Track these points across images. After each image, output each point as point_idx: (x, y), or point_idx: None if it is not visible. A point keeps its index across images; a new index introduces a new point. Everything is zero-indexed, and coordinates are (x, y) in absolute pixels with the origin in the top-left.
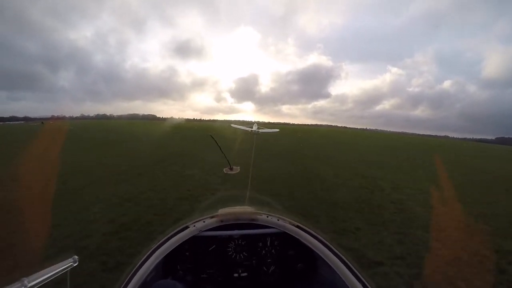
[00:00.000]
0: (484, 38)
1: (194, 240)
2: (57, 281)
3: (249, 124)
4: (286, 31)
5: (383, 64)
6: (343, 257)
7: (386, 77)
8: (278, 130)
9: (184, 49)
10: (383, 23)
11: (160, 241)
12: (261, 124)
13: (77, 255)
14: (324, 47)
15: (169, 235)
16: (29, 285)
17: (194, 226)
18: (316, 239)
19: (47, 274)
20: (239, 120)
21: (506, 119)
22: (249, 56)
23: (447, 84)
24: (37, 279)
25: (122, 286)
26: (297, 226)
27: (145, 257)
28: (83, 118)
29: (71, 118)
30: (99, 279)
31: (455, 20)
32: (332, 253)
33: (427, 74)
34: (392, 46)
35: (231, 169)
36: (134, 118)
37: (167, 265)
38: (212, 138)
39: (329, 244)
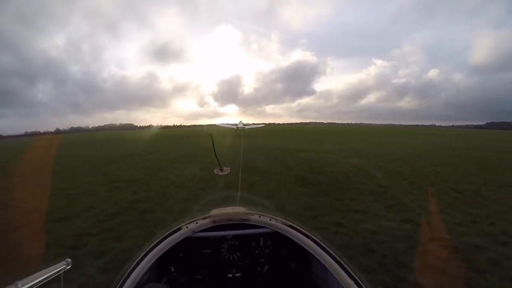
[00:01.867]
0: (474, 24)
1: (187, 241)
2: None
3: (234, 124)
4: (269, 26)
5: (368, 57)
6: (335, 255)
7: (371, 70)
8: (263, 125)
9: (163, 53)
10: (368, 15)
11: (154, 243)
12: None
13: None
14: (308, 43)
15: (162, 237)
16: None
17: (187, 227)
18: (309, 238)
19: (41, 277)
20: (223, 123)
21: (496, 104)
22: (231, 56)
23: (434, 73)
24: (30, 282)
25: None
26: (290, 226)
27: (138, 258)
28: (56, 132)
29: (46, 133)
30: None
31: (444, 7)
32: (325, 251)
33: (414, 64)
34: (377, 38)
35: (221, 170)
36: (111, 129)
37: (161, 267)
38: (211, 138)
39: (321, 243)
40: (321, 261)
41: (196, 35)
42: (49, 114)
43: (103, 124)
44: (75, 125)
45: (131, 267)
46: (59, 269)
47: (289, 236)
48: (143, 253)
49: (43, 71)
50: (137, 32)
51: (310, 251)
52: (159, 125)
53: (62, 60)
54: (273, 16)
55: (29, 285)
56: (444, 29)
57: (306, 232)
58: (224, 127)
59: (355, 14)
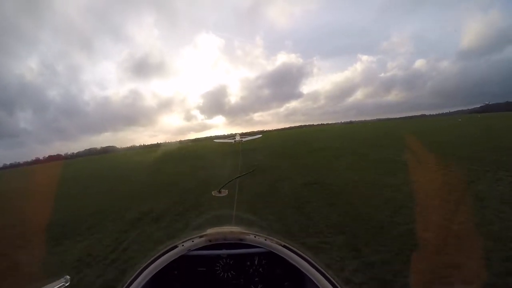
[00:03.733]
0: (462, 8)
1: (182, 259)
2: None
3: (230, 136)
4: (253, 29)
5: (355, 54)
6: (329, 276)
7: (357, 67)
8: (261, 135)
9: (143, 67)
10: (353, 10)
11: (149, 260)
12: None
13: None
14: (293, 44)
15: (157, 254)
16: None
17: (183, 245)
18: (302, 258)
19: None
20: (211, 136)
21: (488, 86)
22: (215, 65)
23: (421, 62)
24: None
25: None
26: (284, 246)
27: (134, 276)
28: (34, 162)
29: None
30: None
31: None
32: (318, 271)
33: (401, 56)
34: (362, 34)
35: (219, 192)
36: (91, 154)
37: (156, 284)
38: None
39: (314, 263)
40: (315, 281)
41: (176, 46)
42: (38, 142)
43: (83, 149)
44: (57, 152)
45: (126, 284)
46: (58, 286)
47: (283, 256)
48: (139, 270)
49: (23, 99)
50: (113, 47)
51: (304, 271)
52: (142, 144)
53: (38, 85)
54: (257, 17)
55: None
56: (430, 18)
57: (300, 252)
58: (221, 142)
59: (339, 10)
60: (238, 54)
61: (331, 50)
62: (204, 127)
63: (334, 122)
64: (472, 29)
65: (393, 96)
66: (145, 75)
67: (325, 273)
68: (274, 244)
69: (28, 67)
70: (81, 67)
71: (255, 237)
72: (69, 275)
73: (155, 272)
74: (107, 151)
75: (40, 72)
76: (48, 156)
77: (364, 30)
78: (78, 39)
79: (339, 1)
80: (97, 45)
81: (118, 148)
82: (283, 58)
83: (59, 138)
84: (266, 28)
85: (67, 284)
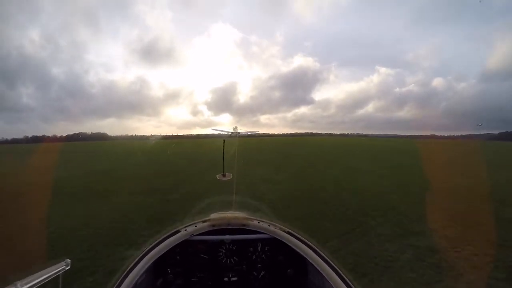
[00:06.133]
0: (492, 28)
1: (185, 244)
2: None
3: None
4: (274, 23)
5: (372, 65)
6: (333, 264)
7: (373, 78)
8: (258, 130)
9: (151, 52)
10: (379, 21)
11: (152, 245)
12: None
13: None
14: (313, 46)
15: (160, 239)
16: None
17: (186, 230)
18: (307, 245)
19: (40, 277)
20: (214, 134)
21: (508, 113)
22: (228, 60)
23: (439, 81)
24: (29, 282)
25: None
26: (288, 232)
27: (136, 260)
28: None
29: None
30: None
31: (458, 15)
32: (322, 259)
33: (420, 72)
34: (385, 45)
35: (224, 175)
36: (80, 139)
37: (158, 269)
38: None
39: (319, 251)
40: (318, 269)
41: (188, 33)
42: (42, 119)
43: (72, 133)
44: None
45: (128, 268)
46: (59, 269)
47: (287, 242)
48: (141, 254)
49: (25, 73)
50: (121, 26)
51: (308, 258)
52: (128, 134)
53: (41, 59)
54: (281, 7)
55: (28, 285)
56: (457, 36)
57: (304, 239)
58: (217, 130)
59: (366, 18)
60: (254, 50)
61: (350, 58)
62: (210, 124)
63: (339, 132)
64: (499, 51)
65: (405, 113)
66: (154, 61)
67: (330, 261)
68: (278, 230)
69: (29, 37)
70: (86, 45)
71: (258, 222)
72: None
73: (157, 256)
74: (96, 139)
75: (41, 45)
76: (25, 136)
77: (387, 41)
78: (83, 12)
79: (368, 8)
80: (104, 22)
81: (109, 136)
82: (299, 61)
83: (65, 119)
84: (288, 23)
85: (68, 267)
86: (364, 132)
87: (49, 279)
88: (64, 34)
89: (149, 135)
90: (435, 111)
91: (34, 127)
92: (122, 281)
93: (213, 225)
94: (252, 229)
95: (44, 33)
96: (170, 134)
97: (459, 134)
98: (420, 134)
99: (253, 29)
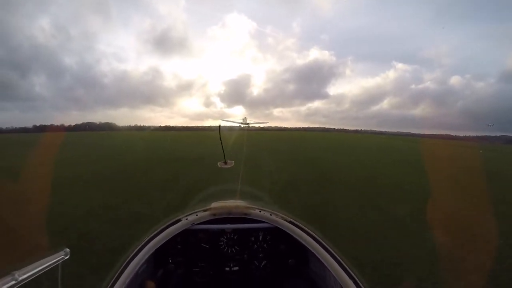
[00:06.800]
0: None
1: (186, 233)
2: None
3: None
4: (291, 14)
5: (389, 61)
6: (334, 253)
7: (389, 74)
8: (268, 122)
9: (164, 42)
10: (398, 15)
11: (153, 234)
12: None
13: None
14: (330, 40)
15: (161, 228)
16: (20, 278)
17: (187, 219)
18: (308, 235)
19: (39, 267)
20: (226, 126)
21: None
22: (242, 51)
23: (457, 79)
24: (28, 272)
25: (114, 277)
26: (290, 222)
27: (137, 249)
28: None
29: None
30: None
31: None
32: (324, 248)
33: (438, 70)
34: (403, 40)
35: (225, 163)
36: (88, 129)
37: (159, 258)
38: (219, 130)
39: (320, 240)
40: (320, 258)
41: (202, 23)
42: (54, 109)
43: (81, 123)
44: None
45: (129, 257)
46: (57, 259)
47: (288, 232)
48: (142, 244)
49: (36, 62)
50: (133, 14)
51: (309, 247)
52: (137, 124)
53: (52, 49)
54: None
55: (27, 275)
56: (477, 33)
57: (306, 228)
58: (228, 122)
59: (385, 12)
60: (269, 42)
61: (367, 52)
62: (223, 115)
63: (352, 128)
64: None
65: (420, 110)
66: (167, 52)
67: (331, 251)
68: (279, 219)
69: (39, 26)
70: (97, 35)
71: (260, 211)
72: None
73: (158, 245)
74: (104, 129)
75: (52, 34)
76: (33, 125)
77: (404, 36)
78: (94, 0)
79: (386, 3)
80: (115, 11)
81: (118, 126)
82: (315, 54)
83: (77, 108)
84: (305, 14)
85: (67, 257)
86: (378, 129)
87: (48, 268)
88: (75, 24)
89: (158, 126)
90: (451, 109)
91: (48, 116)
92: (122, 271)
93: (214, 214)
94: (253, 218)
95: (54, 22)
96: (182, 125)
97: (475, 135)
98: (434, 133)
99: (269, 20)
